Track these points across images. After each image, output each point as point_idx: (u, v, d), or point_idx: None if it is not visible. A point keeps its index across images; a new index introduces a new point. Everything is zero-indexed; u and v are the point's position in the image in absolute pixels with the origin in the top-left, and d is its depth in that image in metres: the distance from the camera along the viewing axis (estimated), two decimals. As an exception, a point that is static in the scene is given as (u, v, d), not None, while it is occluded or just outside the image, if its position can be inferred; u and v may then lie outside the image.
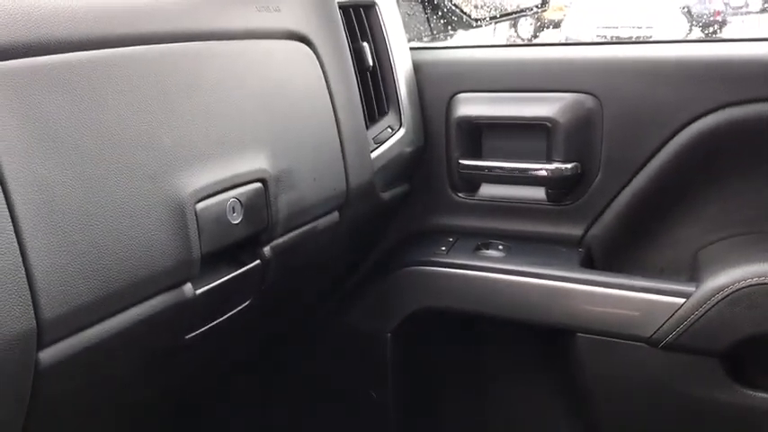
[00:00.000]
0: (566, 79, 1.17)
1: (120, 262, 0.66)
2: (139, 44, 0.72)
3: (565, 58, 1.21)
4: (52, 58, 0.63)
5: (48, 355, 0.61)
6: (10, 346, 0.57)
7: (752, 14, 8.39)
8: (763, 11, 8.28)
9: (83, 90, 0.64)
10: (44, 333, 0.60)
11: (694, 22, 7.57)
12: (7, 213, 0.57)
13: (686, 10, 7.32)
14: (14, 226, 0.57)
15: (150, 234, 0.68)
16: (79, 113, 0.64)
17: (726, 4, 8.05)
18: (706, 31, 7.85)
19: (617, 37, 6.18)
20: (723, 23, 7.98)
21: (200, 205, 0.74)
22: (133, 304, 0.69)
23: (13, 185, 0.57)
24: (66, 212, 0.61)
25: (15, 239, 0.57)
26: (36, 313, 0.59)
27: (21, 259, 0.57)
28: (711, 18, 7.84)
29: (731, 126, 1.08)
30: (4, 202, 0.57)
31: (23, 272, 0.58)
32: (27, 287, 0.58)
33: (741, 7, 8.36)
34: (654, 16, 6.55)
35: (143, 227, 0.68)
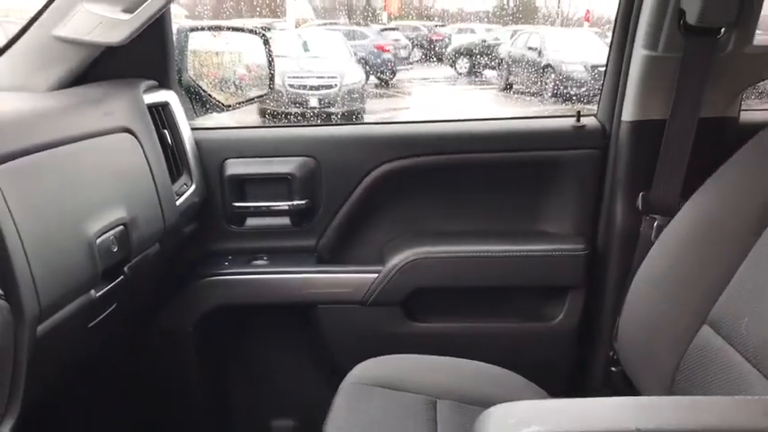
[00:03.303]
0: (297, 148, 1.69)
1: (65, 274, 1.08)
2: (47, 149, 1.12)
3: (296, 135, 1.74)
4: (21, 161, 1.06)
5: (42, 328, 1.01)
6: (29, 322, 0.99)
7: (414, 64, 10.36)
8: (419, 61, 10.39)
9: (35, 179, 1.07)
10: (42, 314, 1.01)
11: (371, 71, 9.02)
12: (20, 244, 0.97)
13: (363, 61, 8.66)
14: (24, 252, 0.98)
15: (76, 258, 1.11)
16: (39, 192, 1.07)
17: (395, 55, 9.72)
18: (381, 77, 9.47)
19: (309, 87, 7.33)
20: (394, 72, 9.63)
21: (98, 240, 1.16)
22: (71, 300, 1.10)
23: (21, 227, 0.98)
24: (42, 243, 1.02)
25: (25, 258, 0.98)
26: (38, 301, 1.00)
27: (28, 269, 0.98)
28: (385, 67, 9.43)
29: (390, 173, 1.68)
30: (18, 237, 0.97)
31: (30, 277, 0.98)
32: (33, 286, 0.99)
33: (406, 58, 10.21)
34: (338, 66, 7.63)
35: (73, 253, 1.10)
